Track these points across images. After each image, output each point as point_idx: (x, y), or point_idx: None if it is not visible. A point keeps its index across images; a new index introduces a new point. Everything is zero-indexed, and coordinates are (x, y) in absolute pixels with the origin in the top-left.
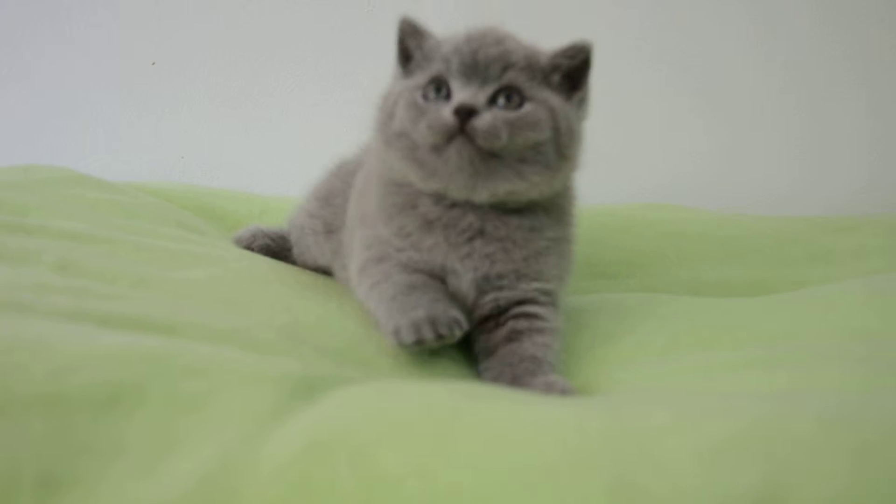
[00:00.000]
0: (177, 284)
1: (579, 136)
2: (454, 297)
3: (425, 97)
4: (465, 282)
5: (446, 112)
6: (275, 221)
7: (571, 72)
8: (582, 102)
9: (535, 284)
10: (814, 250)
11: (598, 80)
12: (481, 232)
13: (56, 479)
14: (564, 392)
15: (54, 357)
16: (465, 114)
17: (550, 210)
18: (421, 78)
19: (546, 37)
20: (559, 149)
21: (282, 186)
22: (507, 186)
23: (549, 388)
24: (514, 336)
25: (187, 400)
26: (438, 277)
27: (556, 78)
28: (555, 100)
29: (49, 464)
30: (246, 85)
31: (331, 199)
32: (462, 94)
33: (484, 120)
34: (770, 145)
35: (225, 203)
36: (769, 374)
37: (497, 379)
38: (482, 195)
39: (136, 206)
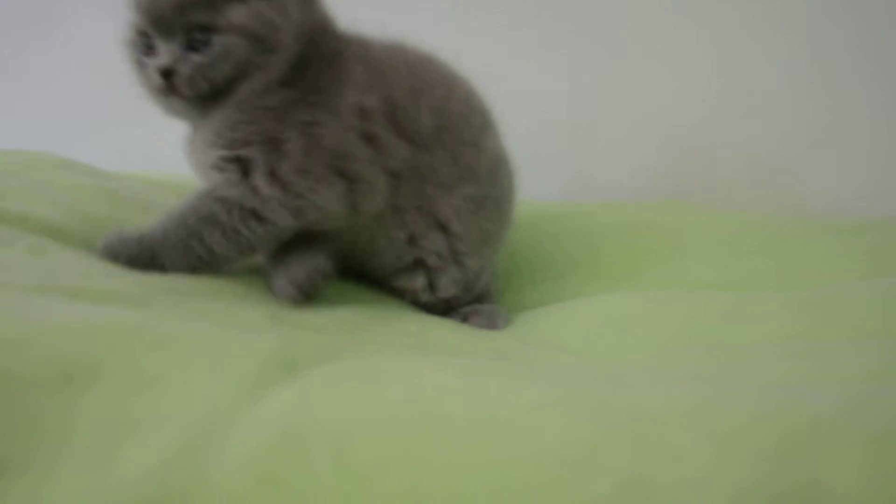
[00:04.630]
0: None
1: (283, 22)
2: None
3: (144, 52)
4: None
5: (154, 76)
6: None
7: None
8: None
9: (221, 152)
10: (824, 252)
11: None
12: (196, 130)
13: (5, 460)
14: None
15: (6, 330)
16: (167, 75)
17: (288, 87)
18: (131, 30)
19: None
20: (265, 52)
21: None
22: (233, 106)
23: None
24: None
25: (147, 378)
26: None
27: None
28: (242, 12)
29: None
30: None
31: None
32: (162, 51)
33: (181, 77)
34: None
35: None
36: (787, 364)
37: None
38: (214, 118)
39: (122, 193)
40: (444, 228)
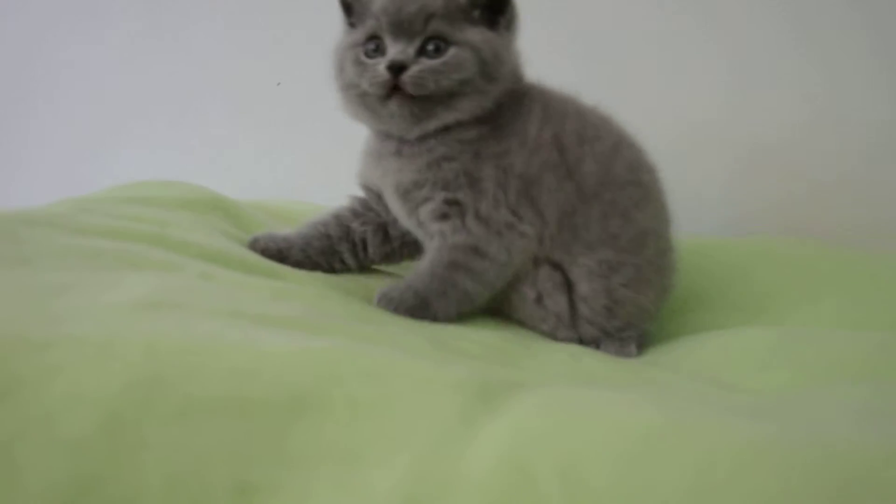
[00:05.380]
0: (313, 299)
1: (506, 57)
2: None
3: (367, 54)
4: (388, 196)
5: (381, 68)
6: None
7: (491, 2)
8: (510, 23)
9: (442, 195)
10: None
11: None
12: (398, 153)
13: (252, 486)
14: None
15: (230, 360)
16: (397, 69)
17: (484, 124)
18: (360, 34)
19: None
20: (487, 76)
21: None
22: (437, 123)
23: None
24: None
25: (366, 406)
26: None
27: (476, 13)
28: (477, 35)
29: (242, 470)
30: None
31: None
32: (393, 50)
33: (412, 72)
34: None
35: None
36: None
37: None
38: (414, 133)
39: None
40: (570, 289)
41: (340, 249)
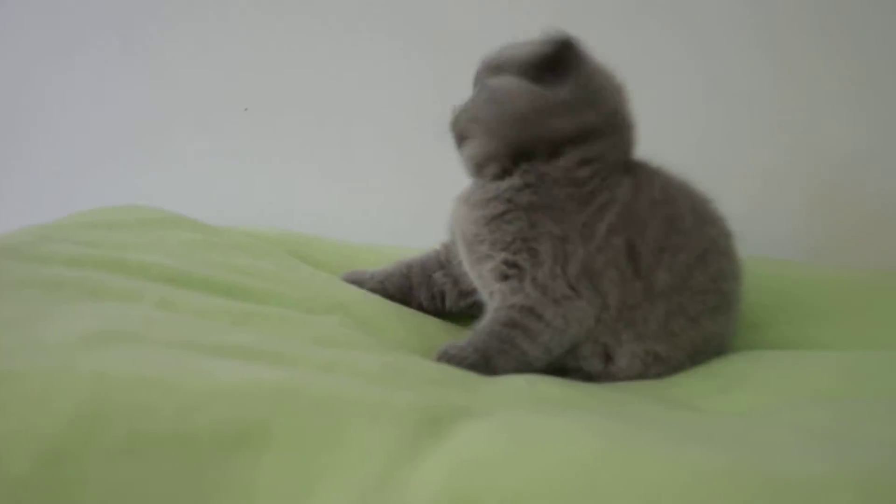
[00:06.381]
0: (276, 322)
1: (524, 103)
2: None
3: None
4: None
5: None
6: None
7: (541, 60)
8: (561, 82)
9: (502, 254)
10: None
11: None
12: (465, 199)
13: None
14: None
15: (180, 394)
16: None
17: (520, 175)
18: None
19: None
20: (494, 117)
21: (370, 236)
22: (463, 153)
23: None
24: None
25: (315, 437)
26: None
27: (523, 66)
28: (505, 80)
29: None
30: (336, 133)
31: None
32: None
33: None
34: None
35: (315, 252)
36: None
37: None
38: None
39: (231, 245)
40: (608, 360)
41: (418, 295)
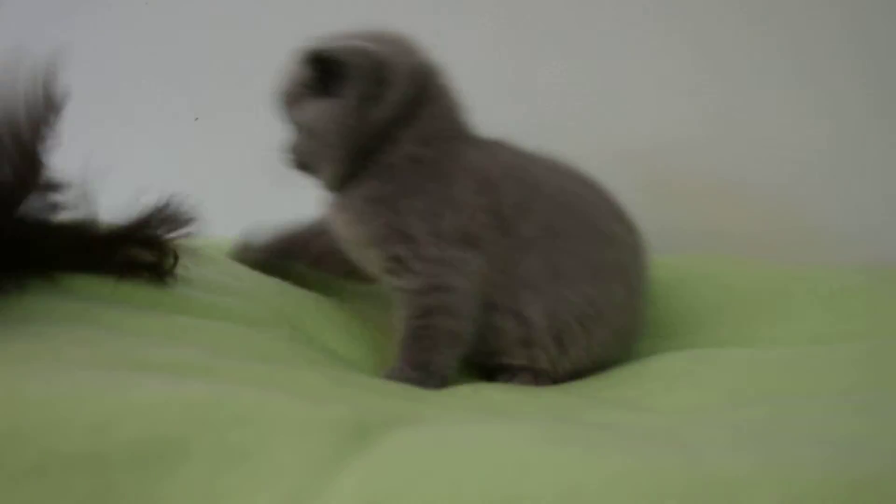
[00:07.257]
0: (214, 336)
1: (337, 124)
2: None
3: None
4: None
5: None
6: None
7: (314, 82)
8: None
9: (381, 250)
10: (876, 305)
11: None
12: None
13: None
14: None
15: (93, 411)
16: None
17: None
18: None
19: None
20: (326, 147)
21: None
22: (317, 181)
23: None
24: None
25: (232, 454)
26: None
27: (308, 91)
28: (309, 110)
29: None
30: None
31: None
32: None
33: None
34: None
35: None
36: (848, 420)
37: None
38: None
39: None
40: (525, 321)
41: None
